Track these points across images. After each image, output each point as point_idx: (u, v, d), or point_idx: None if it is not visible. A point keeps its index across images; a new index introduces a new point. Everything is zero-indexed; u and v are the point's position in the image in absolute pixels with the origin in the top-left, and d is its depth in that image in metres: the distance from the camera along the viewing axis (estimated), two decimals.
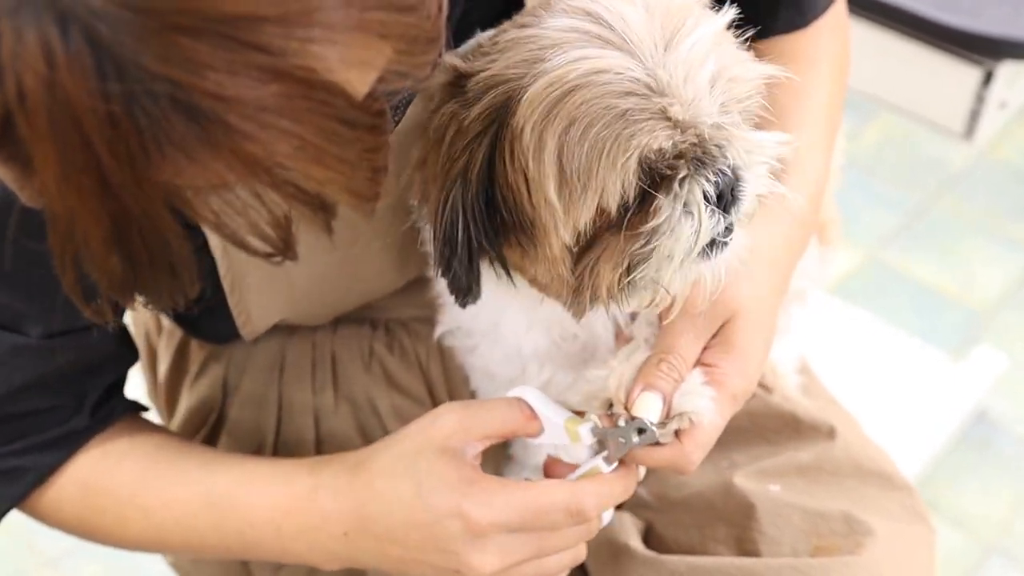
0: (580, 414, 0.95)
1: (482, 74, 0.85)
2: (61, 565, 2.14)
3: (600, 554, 1.11)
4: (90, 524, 1.04)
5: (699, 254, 0.85)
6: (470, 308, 0.94)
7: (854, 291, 2.61)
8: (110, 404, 1.04)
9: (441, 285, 1.02)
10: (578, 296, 0.89)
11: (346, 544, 0.96)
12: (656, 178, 0.83)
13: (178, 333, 1.22)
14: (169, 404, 1.25)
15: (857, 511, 1.09)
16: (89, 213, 0.60)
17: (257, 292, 1.03)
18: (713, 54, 0.82)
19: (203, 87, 0.57)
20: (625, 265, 0.86)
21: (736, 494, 1.10)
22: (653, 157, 0.81)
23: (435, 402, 1.15)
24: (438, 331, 1.10)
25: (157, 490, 1.01)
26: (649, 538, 1.14)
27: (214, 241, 0.96)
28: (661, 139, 0.80)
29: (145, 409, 1.10)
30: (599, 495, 0.92)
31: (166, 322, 1.24)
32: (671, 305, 0.90)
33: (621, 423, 0.92)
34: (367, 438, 1.13)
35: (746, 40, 0.87)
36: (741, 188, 0.85)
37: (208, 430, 1.19)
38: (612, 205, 0.82)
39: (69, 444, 1.01)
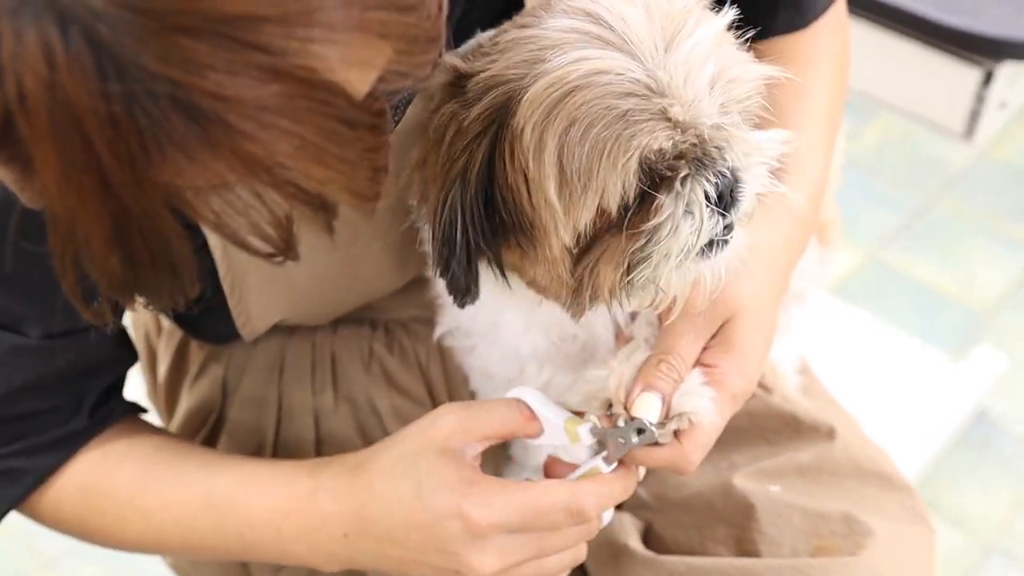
0: (579, 414, 0.95)
1: (482, 74, 0.85)
2: (60, 565, 2.14)
3: (600, 554, 1.11)
4: (89, 525, 1.04)
5: (699, 253, 0.85)
6: (469, 309, 0.94)
7: (854, 291, 2.61)
8: (109, 405, 1.04)
9: (440, 285, 1.02)
10: (577, 297, 0.89)
11: (346, 545, 0.96)
12: (656, 179, 0.83)
13: (178, 334, 1.22)
14: (169, 405, 1.25)
15: (857, 511, 1.09)
16: (90, 213, 0.60)
17: (257, 292, 1.03)
18: (713, 55, 0.82)
19: (203, 87, 0.57)
20: (625, 265, 0.86)
21: (736, 494, 1.10)
22: (653, 158, 0.81)
23: (435, 402, 1.15)
24: (438, 331, 1.10)
25: (156, 491, 1.01)
26: (649, 538, 1.14)
27: (214, 241, 0.96)
28: (661, 140, 0.80)
29: (144, 411, 1.10)
30: (599, 495, 0.92)
31: (166, 323, 1.24)
32: (672, 305, 0.90)
33: (620, 423, 0.92)
34: (367, 438, 1.13)
35: (746, 41, 0.87)
36: (740, 189, 0.85)
37: (208, 431, 1.19)
38: (612, 205, 0.82)
39: (68, 445, 1.01)
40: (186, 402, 1.21)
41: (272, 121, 0.59)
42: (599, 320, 1.01)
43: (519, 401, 0.94)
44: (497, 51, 0.86)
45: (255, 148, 0.59)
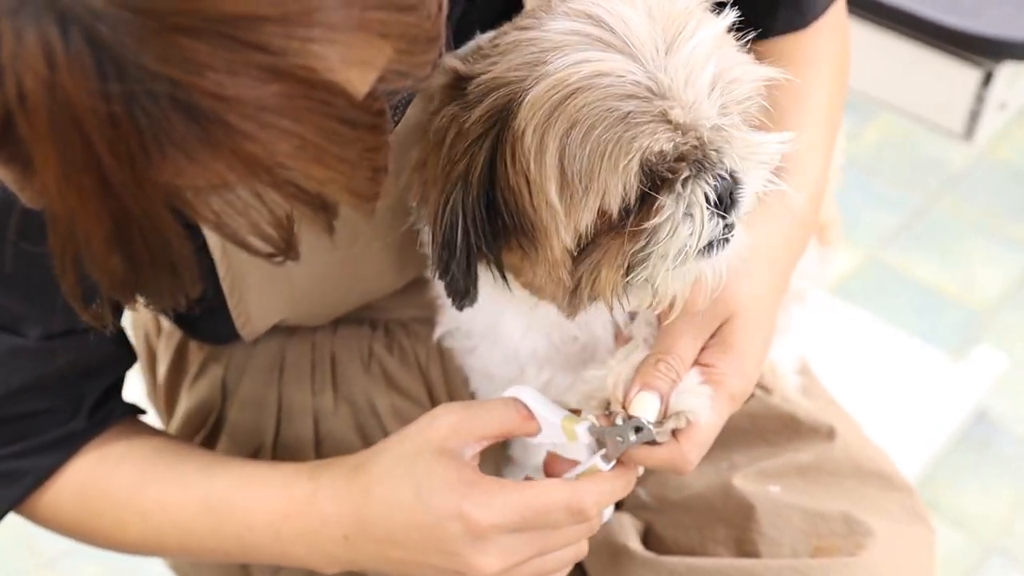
0: (576, 412, 0.95)
1: (483, 77, 0.85)
2: (60, 565, 2.14)
3: (599, 555, 1.11)
4: (88, 527, 1.04)
5: (699, 253, 0.85)
6: (469, 310, 0.94)
7: (854, 291, 2.61)
8: (108, 406, 1.04)
9: (440, 286, 1.02)
10: (574, 297, 0.89)
11: (346, 547, 0.96)
12: (657, 180, 0.83)
13: (177, 334, 1.22)
14: (168, 405, 1.25)
15: (857, 512, 1.09)
16: (90, 213, 0.60)
17: (257, 293, 1.03)
18: (714, 57, 0.82)
19: (203, 87, 0.57)
20: (625, 266, 0.86)
21: (736, 495, 1.10)
22: (654, 160, 0.81)
23: (434, 403, 1.15)
24: (437, 332, 1.10)
25: (155, 493, 1.01)
26: (648, 539, 1.14)
27: (213, 241, 0.96)
28: (662, 141, 0.80)
29: (143, 412, 1.10)
30: (599, 493, 0.92)
31: (165, 323, 1.24)
32: (671, 305, 0.90)
33: (618, 422, 0.92)
34: (366, 439, 1.13)
35: (746, 42, 0.87)
36: (740, 190, 0.85)
37: (207, 431, 1.19)
38: (614, 207, 0.82)
39: (67, 446, 1.01)
40: (186, 402, 1.21)
41: (272, 121, 0.59)
42: (598, 321, 1.01)
43: (516, 400, 0.94)
44: (497, 53, 0.86)
45: (255, 148, 0.59)
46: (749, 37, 0.87)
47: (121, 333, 1.02)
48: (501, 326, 1.03)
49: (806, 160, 1.04)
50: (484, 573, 0.91)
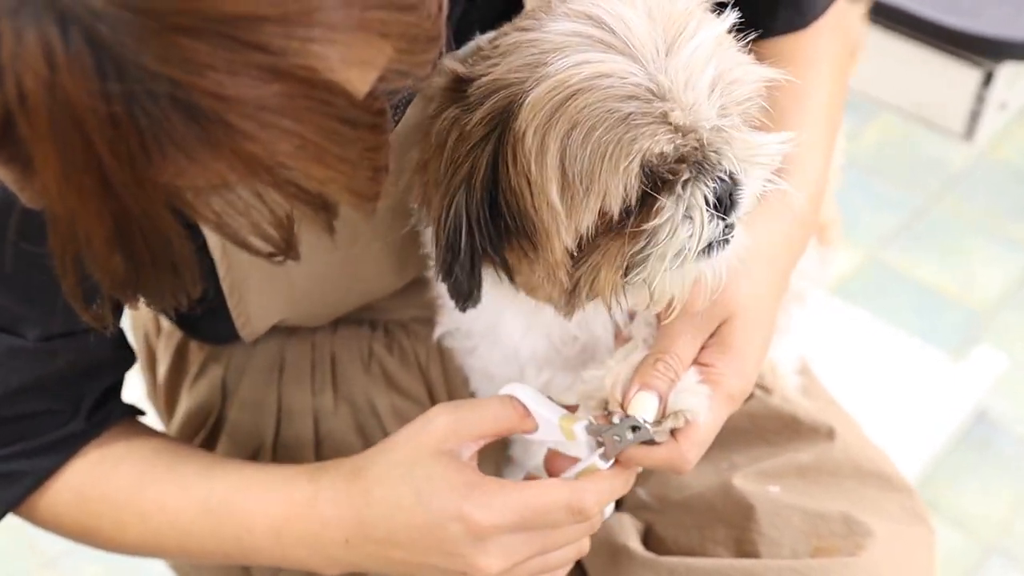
0: (573, 409, 0.95)
1: (483, 79, 0.85)
2: (61, 565, 2.14)
3: (599, 555, 1.11)
4: (87, 528, 1.04)
5: (698, 254, 0.85)
6: (471, 310, 0.94)
7: (854, 291, 2.61)
8: (107, 408, 1.04)
9: (441, 287, 1.02)
10: (572, 297, 0.89)
11: (347, 550, 0.96)
12: (657, 181, 0.83)
13: (177, 334, 1.22)
14: (168, 405, 1.25)
15: (857, 512, 1.09)
16: (90, 213, 0.60)
17: (257, 293, 1.03)
18: (714, 58, 0.82)
19: (203, 87, 0.57)
20: (624, 267, 0.86)
21: (735, 495, 1.10)
22: (655, 161, 0.81)
23: (434, 403, 1.15)
24: (437, 332, 1.10)
25: (154, 495, 1.01)
26: (648, 539, 1.14)
27: (213, 242, 0.96)
28: (663, 143, 0.80)
29: (142, 413, 1.10)
30: (598, 492, 0.92)
31: (165, 323, 1.24)
32: (670, 305, 0.90)
33: (616, 420, 0.92)
34: (366, 439, 1.13)
35: (746, 43, 0.87)
36: (739, 192, 0.85)
37: (207, 431, 1.19)
38: (615, 208, 0.82)
39: (66, 447, 1.01)
40: (186, 403, 1.21)
41: (272, 121, 0.59)
42: (598, 321, 1.01)
43: (512, 398, 0.94)
44: (498, 54, 0.86)
45: (255, 148, 0.59)
46: (750, 38, 0.87)
47: (120, 334, 1.02)
48: (501, 326, 1.03)
49: (806, 160, 1.04)
50: (486, 573, 0.91)
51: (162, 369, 1.25)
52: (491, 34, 0.91)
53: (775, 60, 0.88)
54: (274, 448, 1.15)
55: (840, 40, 1.14)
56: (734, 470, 1.13)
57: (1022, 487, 2.28)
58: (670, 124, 0.81)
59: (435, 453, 0.92)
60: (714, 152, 0.83)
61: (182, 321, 1.16)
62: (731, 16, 0.86)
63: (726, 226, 0.86)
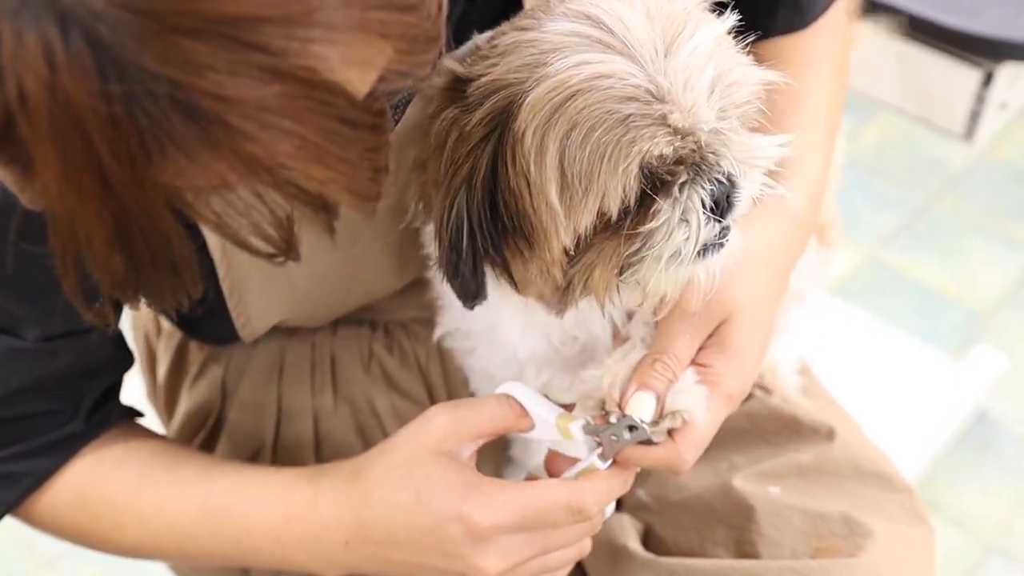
0: (570, 408, 0.95)
1: (482, 79, 0.85)
2: (60, 565, 2.14)
3: (599, 556, 1.11)
4: (86, 530, 1.03)
5: (693, 257, 0.86)
6: (469, 310, 0.94)
7: (854, 291, 2.61)
8: (106, 408, 1.03)
9: (441, 287, 1.02)
10: (564, 295, 0.89)
11: (347, 551, 0.96)
12: (656, 182, 0.83)
13: (177, 335, 1.22)
14: (168, 406, 1.25)
15: (857, 512, 1.09)
16: (90, 213, 0.60)
17: (257, 294, 1.03)
18: (713, 59, 0.82)
19: (203, 87, 0.57)
20: (619, 267, 0.86)
21: (735, 496, 1.10)
22: (655, 163, 0.81)
23: (434, 403, 1.15)
24: (437, 333, 1.10)
25: (153, 497, 1.01)
26: (648, 540, 1.14)
27: (213, 242, 0.96)
28: (662, 145, 0.81)
29: (141, 415, 1.10)
30: (598, 492, 0.92)
31: (165, 324, 1.24)
32: (662, 303, 0.90)
33: (613, 420, 0.92)
34: (366, 439, 1.13)
35: (746, 44, 0.87)
36: (737, 194, 0.85)
37: (207, 432, 1.19)
38: (613, 208, 0.82)
39: (65, 448, 1.01)
40: (185, 403, 1.21)
41: (273, 121, 0.59)
42: (597, 321, 1.01)
43: (509, 397, 0.94)
44: (496, 54, 0.86)
45: (256, 148, 0.59)
46: (749, 39, 0.87)
47: (119, 335, 1.02)
48: (499, 326, 1.03)
49: (806, 161, 1.04)
50: (485, 574, 0.91)
51: (162, 369, 1.25)
52: (489, 34, 0.91)
53: (775, 60, 0.88)
54: (274, 448, 1.15)
55: (840, 40, 1.14)
56: (734, 471, 1.13)
57: (1022, 487, 2.28)
58: (669, 127, 0.81)
59: (434, 453, 0.92)
60: (712, 154, 0.83)
61: (182, 322, 1.16)
62: (731, 17, 0.86)
63: (722, 229, 0.86)
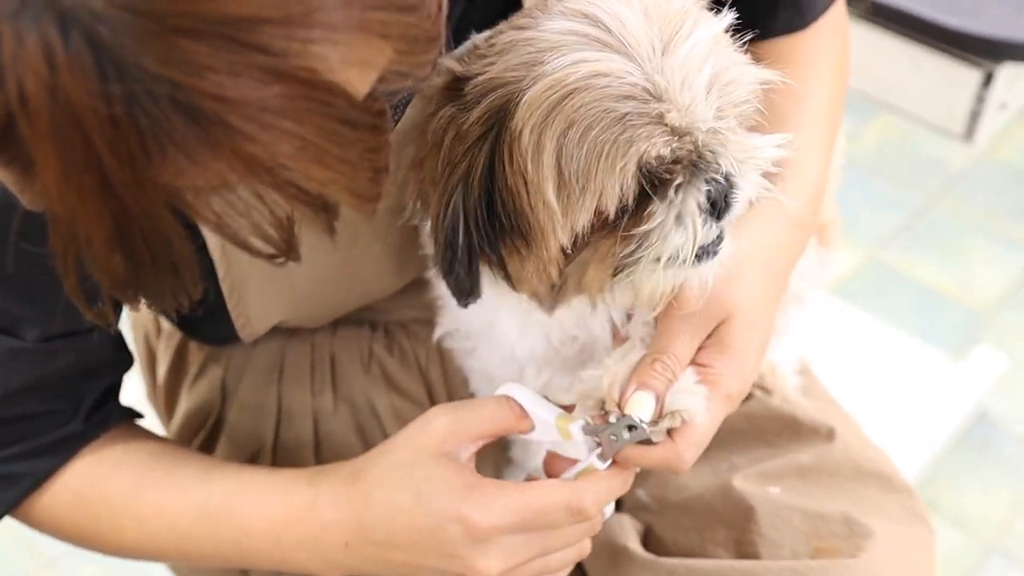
0: (569, 409, 0.95)
1: (480, 77, 0.85)
2: (60, 565, 2.14)
3: (599, 556, 1.11)
4: (85, 531, 1.03)
5: (689, 260, 0.86)
6: (467, 310, 0.94)
7: (854, 291, 2.61)
8: (106, 409, 1.03)
9: (440, 287, 1.02)
10: (557, 293, 0.89)
11: (347, 553, 0.96)
12: (654, 181, 0.83)
13: (177, 335, 1.22)
14: (168, 406, 1.25)
15: (857, 513, 1.09)
16: (90, 214, 0.60)
17: (257, 294, 1.03)
18: (711, 57, 0.82)
19: (204, 88, 0.57)
20: (614, 267, 0.86)
21: (735, 496, 1.10)
22: (653, 163, 0.81)
23: (434, 404, 1.15)
24: (437, 333, 1.10)
25: (152, 498, 1.01)
26: (648, 540, 1.14)
27: (212, 243, 0.96)
28: (659, 145, 0.80)
29: (141, 416, 1.09)
30: (597, 492, 0.92)
31: (165, 324, 1.24)
32: (656, 302, 0.90)
33: (612, 420, 0.92)
34: (366, 440, 1.13)
35: (744, 43, 0.87)
36: (734, 195, 0.85)
37: (207, 432, 1.19)
38: (611, 207, 0.82)
39: (65, 449, 1.01)
40: (185, 403, 1.21)
41: (273, 122, 0.59)
42: (597, 321, 1.01)
43: (508, 398, 0.94)
44: (494, 53, 0.86)
45: (256, 149, 0.59)
46: (748, 38, 0.87)
47: (119, 335, 1.02)
48: (496, 325, 1.03)
49: (805, 161, 1.04)
50: (486, 575, 0.91)
51: (162, 370, 1.25)
52: (487, 33, 0.91)
53: (774, 60, 0.88)
54: (274, 449, 1.15)
55: (840, 40, 1.14)
56: (734, 471, 1.13)
57: (1022, 487, 2.28)
58: (666, 125, 0.80)
59: (434, 454, 0.92)
60: (710, 152, 0.83)
61: (182, 322, 1.16)
62: (728, 15, 0.86)
63: (718, 231, 0.85)
